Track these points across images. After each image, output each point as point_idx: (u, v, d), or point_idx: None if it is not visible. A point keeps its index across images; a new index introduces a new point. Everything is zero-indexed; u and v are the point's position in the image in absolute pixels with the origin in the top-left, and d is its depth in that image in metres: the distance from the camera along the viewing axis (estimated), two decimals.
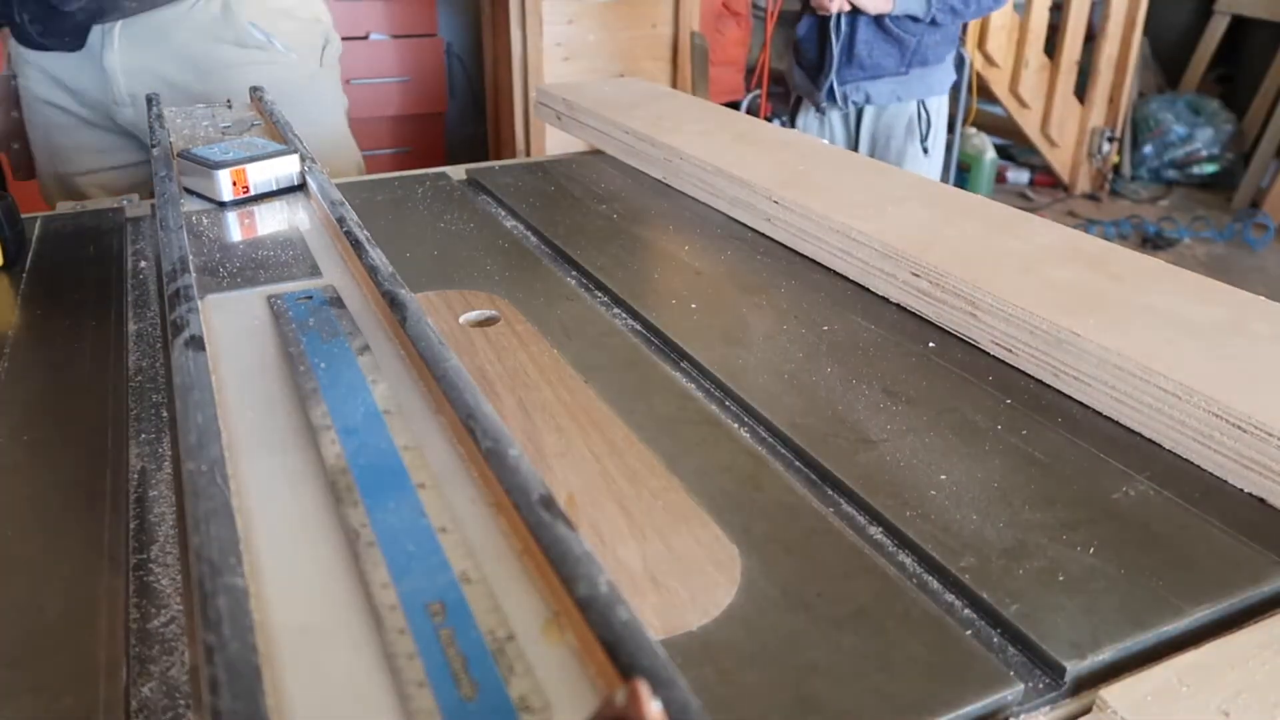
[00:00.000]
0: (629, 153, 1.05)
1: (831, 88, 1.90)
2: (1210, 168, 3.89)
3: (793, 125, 2.04)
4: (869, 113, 1.93)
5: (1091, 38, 3.75)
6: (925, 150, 1.92)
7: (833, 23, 1.87)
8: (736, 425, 0.56)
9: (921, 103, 1.90)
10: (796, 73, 2.02)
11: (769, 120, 1.91)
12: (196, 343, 0.51)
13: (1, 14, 1.10)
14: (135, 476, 0.50)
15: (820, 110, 1.96)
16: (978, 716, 0.37)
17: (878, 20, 1.84)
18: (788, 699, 0.36)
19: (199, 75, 1.16)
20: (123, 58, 1.13)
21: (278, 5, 1.19)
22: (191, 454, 0.41)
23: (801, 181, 0.86)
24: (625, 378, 0.60)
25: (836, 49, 1.85)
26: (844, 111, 1.94)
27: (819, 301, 0.72)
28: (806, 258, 0.79)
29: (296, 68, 1.21)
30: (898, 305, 0.71)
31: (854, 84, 1.88)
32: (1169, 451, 0.53)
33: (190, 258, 0.65)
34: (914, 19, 1.82)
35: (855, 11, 1.84)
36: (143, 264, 0.80)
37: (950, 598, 0.43)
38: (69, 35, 1.12)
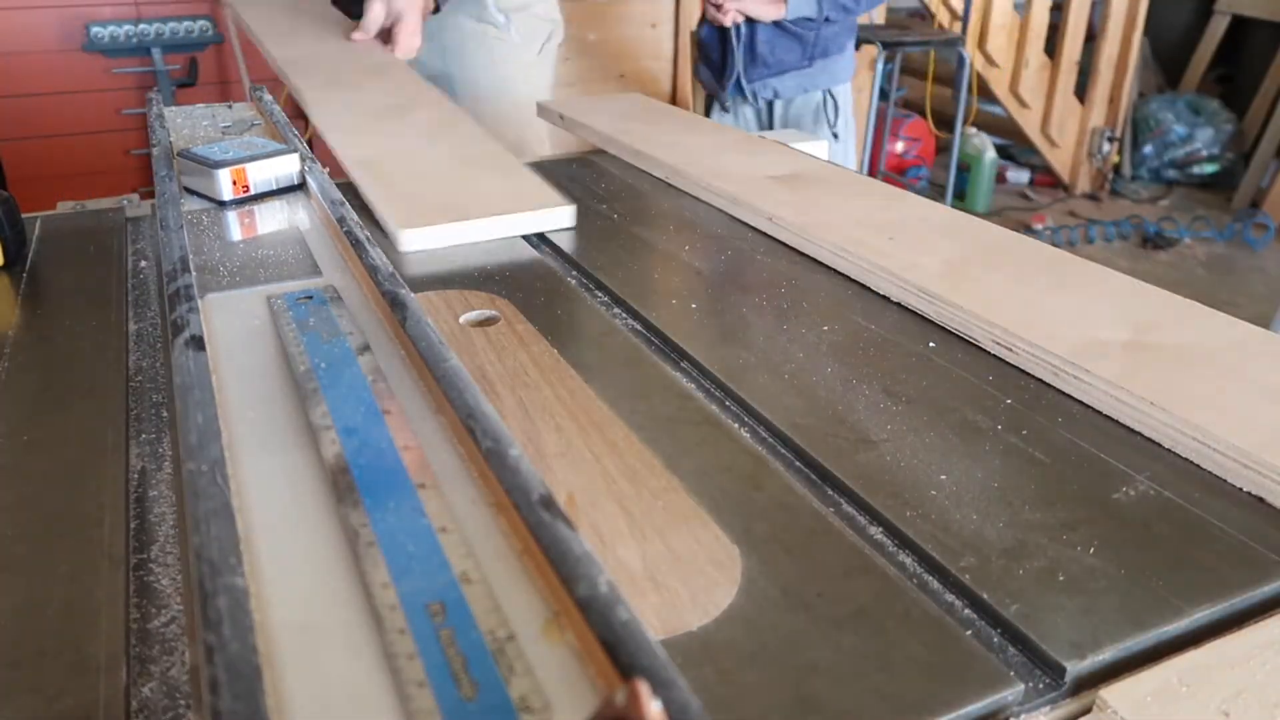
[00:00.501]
0: (631, 155, 1.06)
1: (739, 85, 1.98)
2: (1210, 168, 3.90)
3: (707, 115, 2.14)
4: (778, 105, 2.01)
5: (1091, 38, 3.75)
6: (835, 136, 2.01)
7: (732, 28, 1.95)
8: (736, 425, 0.56)
9: (827, 91, 1.97)
10: (703, 72, 2.10)
11: None
12: (197, 343, 0.51)
13: None
14: (135, 476, 0.50)
15: (725, 108, 2.05)
16: (978, 716, 0.37)
17: (775, 22, 1.91)
18: (788, 699, 0.36)
19: (434, 44, 1.34)
20: (470, 31, 1.37)
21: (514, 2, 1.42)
22: (191, 454, 0.41)
23: (813, 208, 0.86)
24: (625, 378, 0.60)
25: (739, 51, 1.93)
26: (755, 107, 2.01)
27: (819, 301, 0.72)
28: (807, 257, 0.79)
29: (520, 51, 1.40)
30: (898, 305, 0.71)
31: (760, 81, 1.96)
32: (1169, 451, 0.53)
33: (190, 257, 0.65)
34: (808, 20, 1.89)
35: (751, 20, 1.92)
36: (143, 264, 0.80)
37: (950, 598, 0.43)
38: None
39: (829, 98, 1.97)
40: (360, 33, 1.24)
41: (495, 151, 0.95)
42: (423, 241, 0.77)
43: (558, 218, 0.84)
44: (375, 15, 1.22)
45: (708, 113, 2.13)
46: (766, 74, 1.93)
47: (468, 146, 0.97)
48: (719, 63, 2.00)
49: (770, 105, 2.00)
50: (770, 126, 2.01)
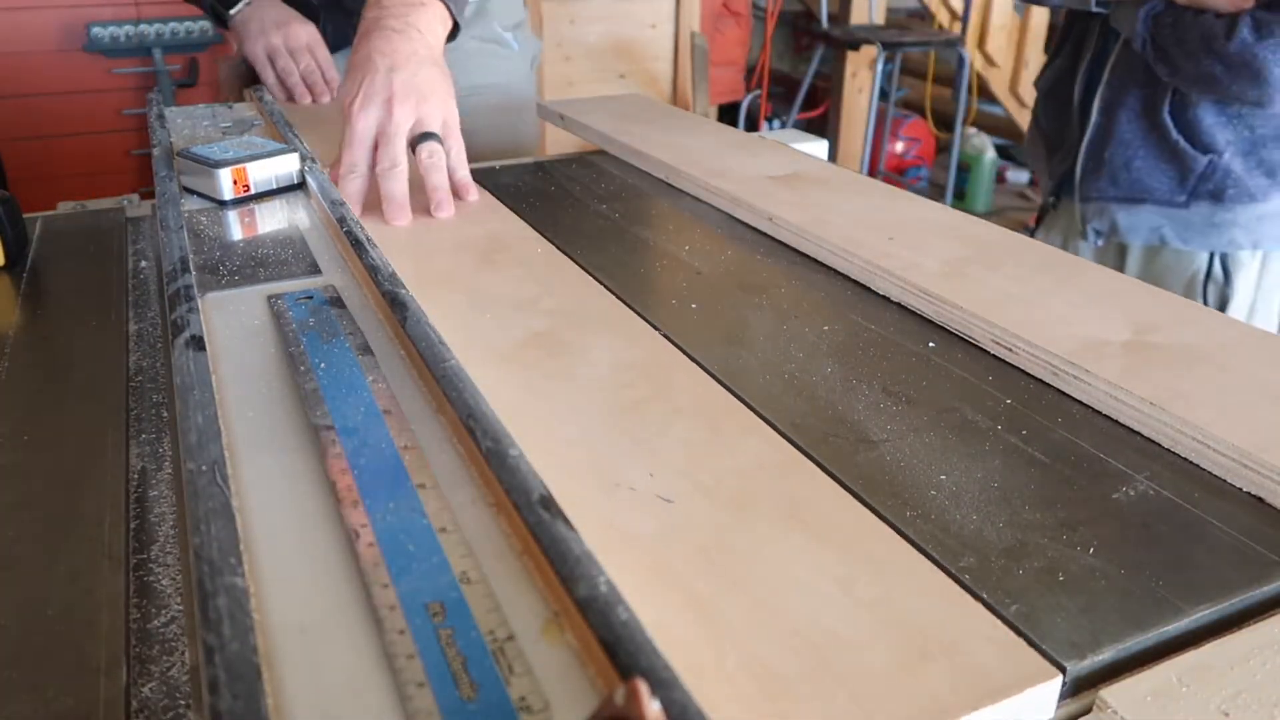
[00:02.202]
0: (631, 155, 1.06)
1: (1069, 189, 1.22)
2: None
3: (1032, 233, 1.32)
4: (1135, 253, 1.20)
5: None
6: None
7: (1076, 86, 1.16)
8: None
9: (1217, 257, 1.14)
10: (1030, 139, 1.32)
11: (768, 121, 1.73)
12: (197, 343, 0.51)
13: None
14: (135, 476, 0.50)
15: (1054, 208, 1.28)
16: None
17: (1150, 99, 1.08)
18: None
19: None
20: None
21: (517, 15, 1.41)
22: (192, 454, 0.41)
23: (813, 208, 0.86)
24: None
25: (1085, 140, 1.16)
26: (1085, 232, 1.22)
27: (819, 301, 0.72)
28: (807, 257, 0.79)
29: (520, 65, 1.40)
30: (898, 305, 0.71)
31: (1097, 203, 1.18)
32: (1169, 451, 0.53)
33: (190, 257, 0.65)
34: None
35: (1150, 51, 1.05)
36: (143, 264, 0.80)
37: None
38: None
39: (1217, 264, 1.14)
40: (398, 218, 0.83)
41: None
42: None
43: None
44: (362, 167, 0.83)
45: (1040, 216, 1.33)
46: (1110, 194, 1.15)
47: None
48: (1056, 136, 1.25)
49: (1117, 242, 1.20)
50: (1122, 267, 1.22)
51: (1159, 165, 1.10)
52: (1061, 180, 1.23)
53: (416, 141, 0.82)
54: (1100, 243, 1.21)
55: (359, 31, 0.86)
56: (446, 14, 0.90)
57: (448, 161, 0.84)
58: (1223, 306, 1.14)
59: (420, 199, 0.82)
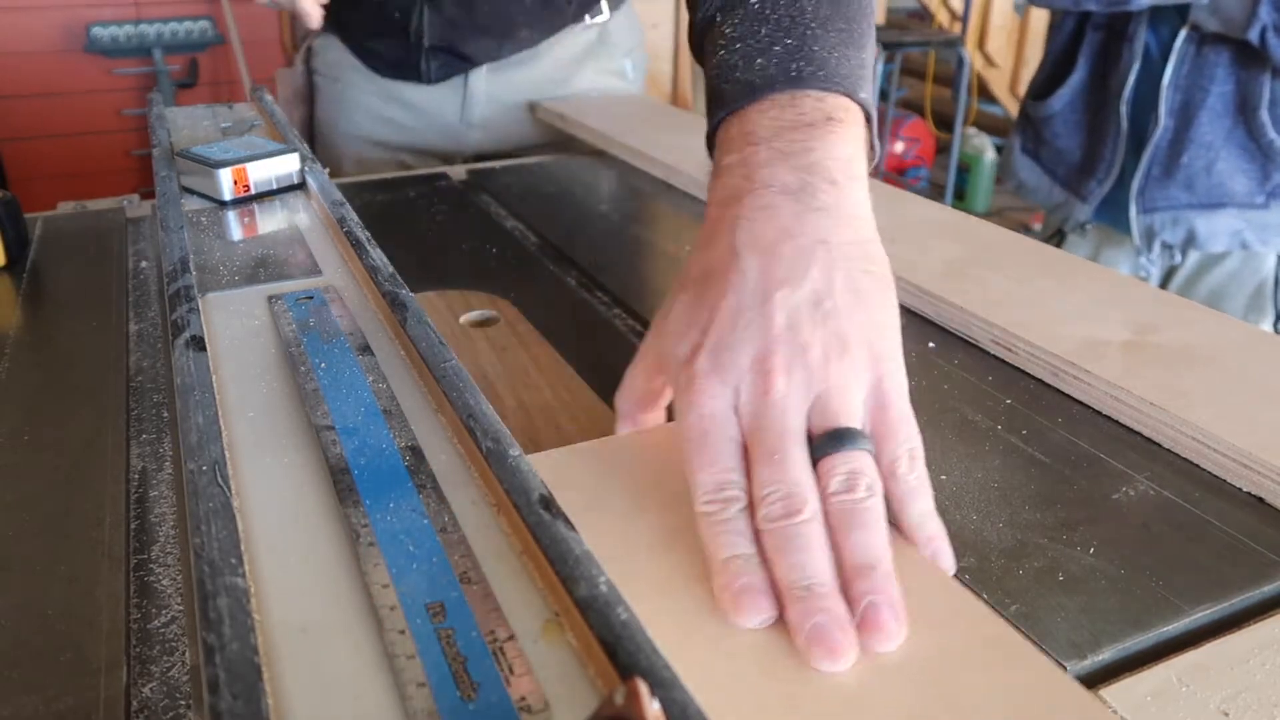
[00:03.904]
0: (632, 154, 1.06)
1: (1120, 207, 1.13)
2: None
3: (1059, 244, 1.24)
4: (1189, 263, 1.15)
5: None
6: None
7: (1123, 92, 1.09)
8: None
9: None
10: (1023, 165, 1.26)
11: None
12: (197, 343, 0.51)
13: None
14: (135, 476, 0.50)
15: (1082, 229, 1.21)
16: None
17: (1239, 97, 1.03)
18: None
19: (556, 94, 1.19)
20: (488, 82, 1.15)
21: (635, 40, 1.27)
22: (192, 454, 0.41)
23: None
24: None
25: (1150, 149, 1.09)
26: (1143, 250, 1.14)
27: None
28: None
29: (632, 92, 1.29)
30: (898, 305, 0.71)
31: (1169, 213, 1.10)
32: (1169, 451, 0.53)
33: (191, 257, 0.65)
34: None
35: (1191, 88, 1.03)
36: (143, 264, 0.80)
37: None
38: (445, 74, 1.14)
39: None
40: None
41: None
42: None
43: None
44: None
45: (1058, 240, 1.25)
46: (1184, 202, 1.09)
47: None
48: (1081, 154, 1.17)
49: (1175, 255, 1.14)
50: (1165, 285, 1.17)
51: (1241, 166, 1.06)
52: (1104, 201, 1.16)
53: (820, 446, 0.39)
54: (1153, 256, 1.14)
55: (713, 188, 0.46)
56: (865, 133, 0.47)
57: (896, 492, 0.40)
58: None
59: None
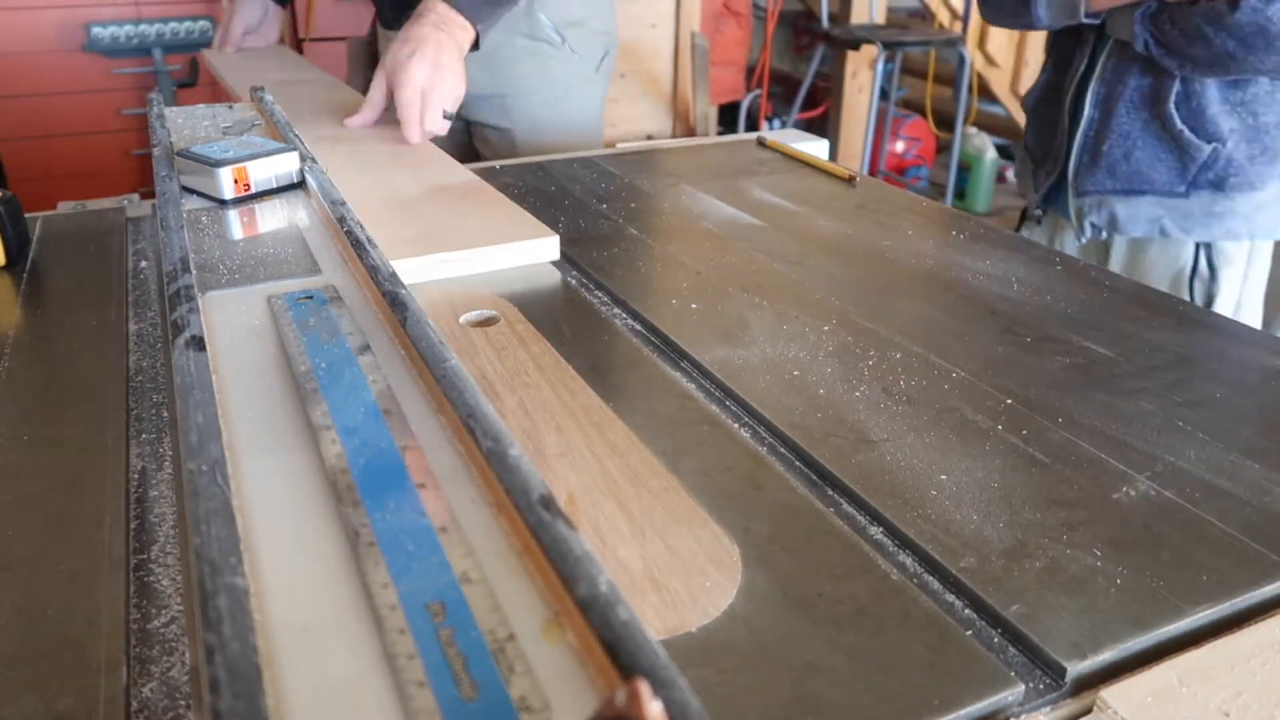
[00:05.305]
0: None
1: (1063, 193, 1.21)
2: None
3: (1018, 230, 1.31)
4: (1118, 244, 1.20)
5: None
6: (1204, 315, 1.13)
7: (1067, 86, 1.18)
8: (736, 425, 0.56)
9: (1204, 248, 1.15)
10: (1019, 161, 1.35)
11: (768, 121, 1.61)
12: (197, 343, 0.51)
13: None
14: (135, 476, 0.50)
15: (1038, 219, 1.28)
16: (978, 717, 0.37)
17: (1151, 91, 1.10)
18: (788, 699, 0.36)
19: (485, 65, 1.28)
20: None
21: (575, 13, 1.34)
22: (192, 454, 0.41)
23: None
24: (625, 378, 0.60)
25: (1078, 138, 1.17)
26: (1080, 233, 1.22)
27: (819, 301, 0.72)
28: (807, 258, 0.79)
29: (575, 68, 1.34)
30: (899, 304, 0.71)
31: (1094, 196, 1.17)
32: (1169, 452, 0.53)
33: (191, 257, 0.65)
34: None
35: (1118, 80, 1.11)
36: (143, 264, 0.80)
37: (950, 598, 0.43)
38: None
39: (1204, 259, 1.15)
40: (360, 117, 1.11)
41: (475, 184, 0.92)
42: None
43: (541, 249, 0.78)
44: (376, 97, 1.10)
45: (1017, 225, 1.34)
46: (1108, 187, 1.15)
47: (447, 178, 0.94)
48: (1042, 149, 1.25)
49: (1105, 239, 1.20)
50: (1106, 264, 1.21)
51: (1159, 155, 1.11)
52: (1049, 190, 1.23)
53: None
54: (1086, 239, 1.21)
55: (411, 19, 1.08)
56: (474, 35, 1.10)
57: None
58: (1209, 301, 1.14)
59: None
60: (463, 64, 1.09)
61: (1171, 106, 1.08)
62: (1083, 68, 1.16)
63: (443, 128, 1.09)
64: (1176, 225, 1.13)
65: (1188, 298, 1.15)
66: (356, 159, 1.00)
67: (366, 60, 1.53)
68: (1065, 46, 1.20)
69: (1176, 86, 1.07)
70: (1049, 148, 1.23)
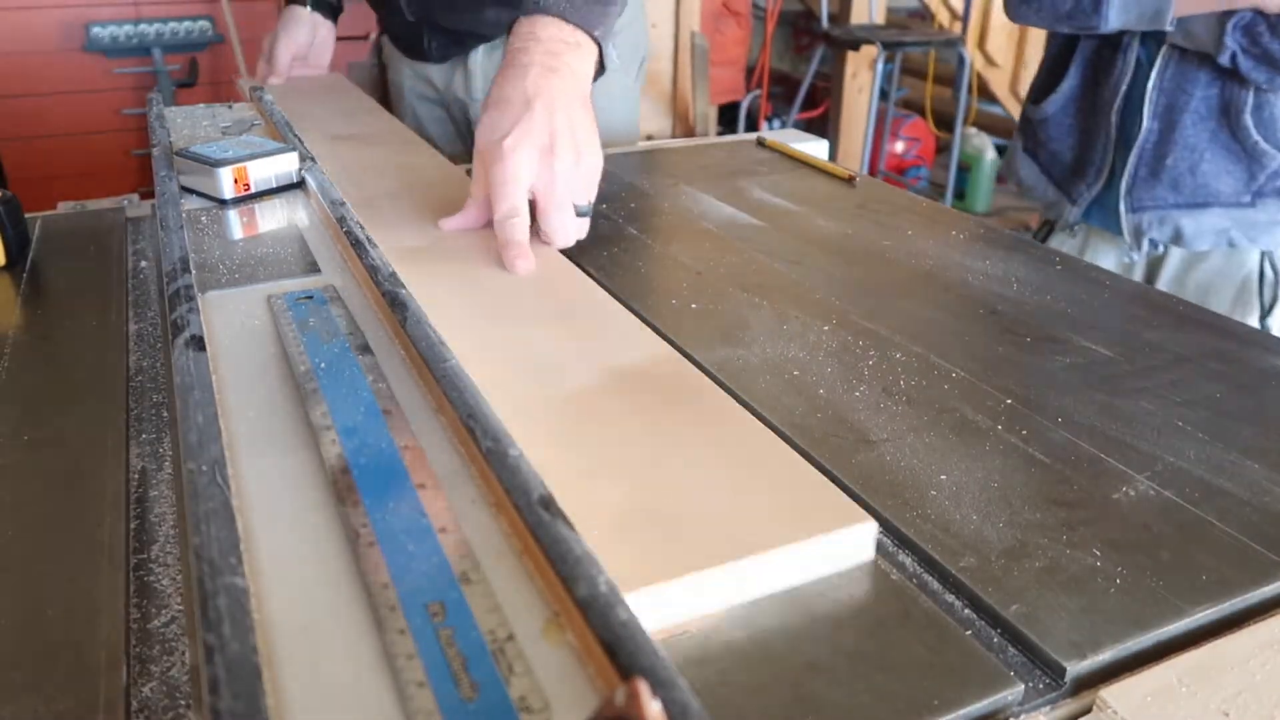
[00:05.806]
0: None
1: (1109, 206, 1.16)
2: None
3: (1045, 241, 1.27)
4: (1174, 256, 1.16)
5: None
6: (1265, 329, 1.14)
7: (1115, 100, 1.12)
8: None
9: (1266, 255, 1.13)
10: (1025, 167, 1.29)
11: (768, 121, 1.59)
12: (197, 343, 0.51)
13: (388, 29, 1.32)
14: (135, 476, 0.50)
15: (1071, 230, 1.23)
16: (978, 717, 0.37)
17: (1221, 102, 1.07)
18: (788, 699, 0.36)
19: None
20: (484, 59, 1.24)
21: (618, 21, 1.27)
22: (192, 454, 0.41)
23: None
24: None
25: (1136, 149, 1.11)
26: (1127, 249, 1.17)
27: (820, 301, 0.72)
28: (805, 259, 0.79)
29: (618, 79, 1.29)
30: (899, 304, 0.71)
31: (1156, 212, 1.13)
32: (1169, 452, 0.53)
33: (190, 257, 0.65)
34: None
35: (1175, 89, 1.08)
36: (143, 264, 0.80)
37: (950, 597, 0.43)
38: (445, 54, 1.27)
39: (1268, 265, 1.13)
40: (462, 219, 0.76)
41: (671, 360, 0.55)
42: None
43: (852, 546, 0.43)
44: (481, 194, 0.75)
45: (1043, 235, 1.28)
46: (1170, 202, 1.11)
47: (625, 348, 0.56)
48: (1073, 157, 1.20)
49: (1160, 253, 1.16)
50: (1152, 282, 1.18)
51: (1227, 167, 1.09)
52: (1093, 202, 1.20)
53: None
54: (1142, 254, 1.17)
55: (505, 63, 0.76)
56: (597, 54, 0.80)
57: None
58: (1272, 306, 1.13)
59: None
60: (591, 113, 0.77)
61: (1248, 117, 1.06)
62: (1127, 75, 1.12)
63: (580, 229, 0.75)
64: (1244, 235, 1.11)
65: (1256, 305, 1.13)
66: (472, 302, 0.62)
67: (377, 93, 1.36)
68: (1098, 54, 1.16)
69: (1252, 97, 1.05)
70: (1086, 160, 1.19)
